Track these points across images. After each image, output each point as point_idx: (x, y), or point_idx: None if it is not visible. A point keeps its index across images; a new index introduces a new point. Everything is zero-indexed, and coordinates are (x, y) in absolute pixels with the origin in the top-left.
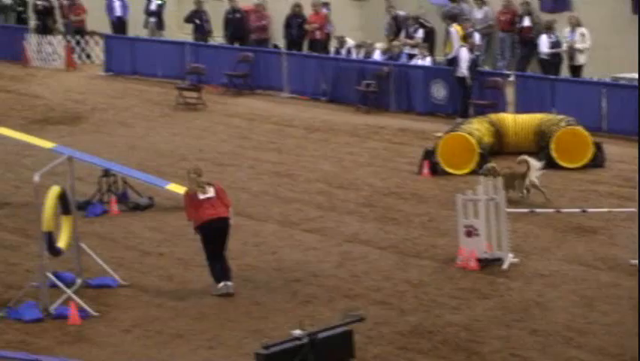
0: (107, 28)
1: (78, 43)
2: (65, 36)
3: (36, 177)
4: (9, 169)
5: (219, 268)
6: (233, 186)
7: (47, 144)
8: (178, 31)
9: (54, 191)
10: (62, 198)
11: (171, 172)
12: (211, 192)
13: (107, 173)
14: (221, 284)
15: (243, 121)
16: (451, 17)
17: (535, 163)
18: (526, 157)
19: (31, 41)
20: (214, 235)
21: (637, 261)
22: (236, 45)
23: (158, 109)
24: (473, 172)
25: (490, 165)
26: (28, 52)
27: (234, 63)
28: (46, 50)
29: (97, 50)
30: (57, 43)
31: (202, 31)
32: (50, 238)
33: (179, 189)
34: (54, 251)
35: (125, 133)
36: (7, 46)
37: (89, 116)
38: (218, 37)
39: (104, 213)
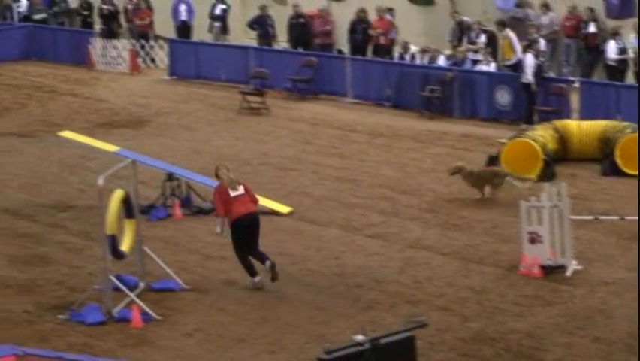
0: (172, 33)
1: (143, 47)
2: (130, 40)
3: (100, 181)
4: (73, 172)
5: (250, 261)
6: (296, 191)
7: (111, 148)
8: (242, 35)
9: (118, 194)
10: (126, 202)
11: (235, 176)
12: (241, 190)
13: (170, 177)
14: (257, 278)
15: (306, 126)
16: (502, 23)
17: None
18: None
19: (96, 45)
20: (246, 231)
21: None
22: (300, 50)
23: (222, 113)
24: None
25: (459, 163)
26: (93, 56)
27: (298, 68)
28: (111, 53)
29: (161, 54)
30: (122, 47)
31: (266, 35)
32: (114, 241)
33: None
34: (117, 254)
35: (189, 137)
36: (72, 49)
37: (153, 120)
38: (282, 42)
39: (167, 217)
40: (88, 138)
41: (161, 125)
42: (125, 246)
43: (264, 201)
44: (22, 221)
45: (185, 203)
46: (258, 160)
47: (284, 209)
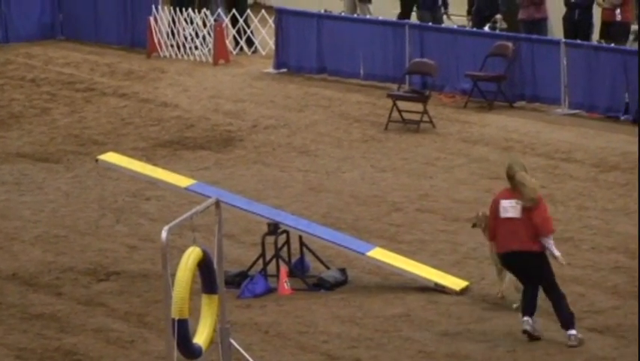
0: None
1: (234, 21)
2: (215, 10)
3: (164, 233)
4: (121, 219)
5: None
6: (475, 256)
7: (182, 181)
8: (391, 5)
9: (192, 255)
10: (204, 268)
11: (377, 230)
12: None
13: (274, 228)
14: (526, 319)
15: (493, 151)
16: None
17: None
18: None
19: (161, 17)
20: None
21: None
22: (487, 29)
23: (358, 129)
24: None
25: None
26: (155, 34)
27: (482, 58)
28: (184, 31)
29: (263, 32)
30: (201, 20)
31: (431, 5)
32: (183, 331)
33: (389, 258)
34: (188, 351)
35: (305, 166)
36: (123, 24)
37: (248, 137)
38: (456, 17)
39: (268, 291)
40: (144, 164)
41: (261, 145)
42: (201, 337)
43: (425, 271)
44: (39, 295)
45: (297, 270)
46: (415, 205)
47: (455, 284)
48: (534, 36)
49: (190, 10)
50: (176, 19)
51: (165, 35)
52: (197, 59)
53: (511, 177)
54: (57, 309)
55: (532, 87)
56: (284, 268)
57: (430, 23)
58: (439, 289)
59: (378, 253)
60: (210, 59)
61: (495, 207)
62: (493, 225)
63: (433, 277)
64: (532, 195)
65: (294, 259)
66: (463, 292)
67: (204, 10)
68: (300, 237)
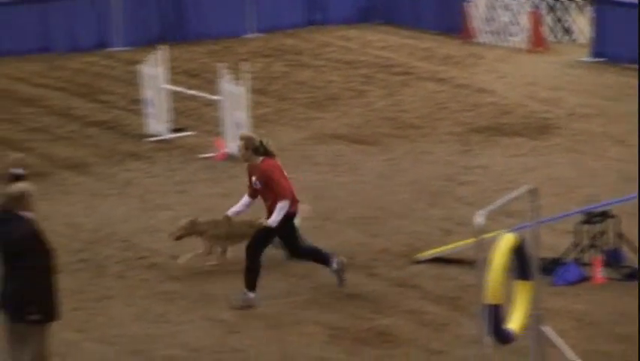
0: None
1: (551, 9)
2: None
3: (479, 218)
4: (435, 202)
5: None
6: None
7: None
8: None
9: (507, 242)
10: (519, 254)
11: None
12: None
13: (590, 217)
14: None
15: None
16: None
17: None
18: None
19: (478, 4)
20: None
21: None
22: None
23: None
24: None
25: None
26: (472, 20)
27: None
28: (501, 18)
29: (581, 20)
30: (518, 8)
31: None
32: (497, 316)
33: None
34: (501, 336)
35: (620, 155)
36: (439, 10)
37: (563, 125)
38: None
39: (582, 280)
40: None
41: (576, 134)
42: (514, 323)
43: None
44: (354, 275)
45: (613, 260)
46: None
47: None
48: None
49: None
50: (493, 6)
51: (483, 22)
52: (514, 45)
53: (257, 148)
54: (371, 290)
55: None
56: (599, 257)
57: None
58: None
59: None
60: (527, 46)
61: (281, 170)
62: (288, 184)
63: None
64: None
65: (608, 248)
66: None
67: None
68: (618, 227)
